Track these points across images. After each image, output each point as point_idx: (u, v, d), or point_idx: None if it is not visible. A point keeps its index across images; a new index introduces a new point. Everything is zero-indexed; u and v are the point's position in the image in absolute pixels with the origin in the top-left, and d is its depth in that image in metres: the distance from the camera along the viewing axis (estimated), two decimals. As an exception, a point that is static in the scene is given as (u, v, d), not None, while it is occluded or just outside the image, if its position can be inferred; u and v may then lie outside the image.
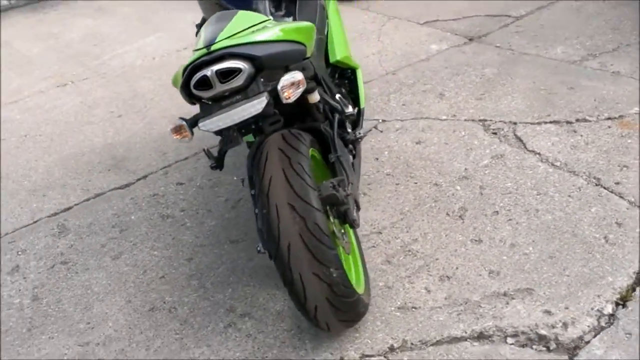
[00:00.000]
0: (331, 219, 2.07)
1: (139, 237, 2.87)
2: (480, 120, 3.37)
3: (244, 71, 1.64)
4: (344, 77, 2.81)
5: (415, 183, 2.95)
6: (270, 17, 2.02)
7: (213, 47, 1.69)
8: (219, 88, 1.66)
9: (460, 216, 2.69)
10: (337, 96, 2.44)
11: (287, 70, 1.88)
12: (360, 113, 2.76)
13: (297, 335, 2.21)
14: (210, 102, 1.71)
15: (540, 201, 2.68)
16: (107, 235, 2.92)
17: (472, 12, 4.88)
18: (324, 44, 2.64)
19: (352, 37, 4.72)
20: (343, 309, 1.95)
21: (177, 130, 1.72)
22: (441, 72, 3.99)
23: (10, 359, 2.27)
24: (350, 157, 2.42)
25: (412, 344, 2.13)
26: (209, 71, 1.63)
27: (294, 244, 1.84)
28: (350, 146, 2.47)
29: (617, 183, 2.72)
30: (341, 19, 2.91)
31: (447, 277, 2.38)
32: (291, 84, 1.72)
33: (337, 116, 2.32)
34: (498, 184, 2.84)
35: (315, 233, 1.85)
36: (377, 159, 3.18)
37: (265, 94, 1.69)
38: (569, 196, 2.69)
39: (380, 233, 2.66)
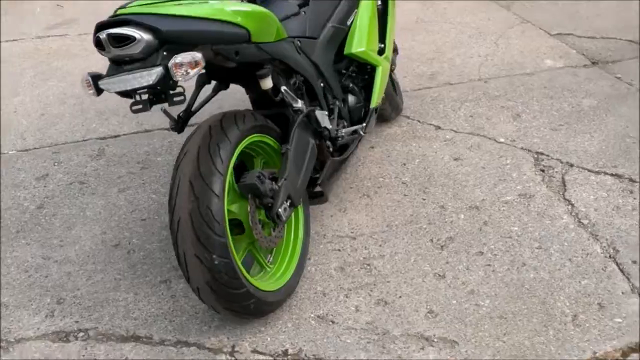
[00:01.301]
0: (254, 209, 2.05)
1: (151, 178, 3.03)
2: (536, 153, 3.06)
3: (139, 40, 1.65)
4: (364, 72, 2.69)
5: (423, 199, 2.77)
6: None
7: (119, 11, 1.72)
8: (114, 52, 1.69)
9: (442, 246, 2.50)
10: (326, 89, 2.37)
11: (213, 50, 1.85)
12: (369, 112, 2.64)
13: (212, 312, 2.24)
14: (115, 64, 1.75)
15: (535, 256, 2.41)
16: (128, 169, 3.12)
17: (615, 34, 4.35)
18: (339, 35, 2.55)
19: (470, 35, 4.46)
20: (226, 297, 1.94)
21: (85, 83, 1.79)
22: (535, 91, 3.64)
23: None
24: (320, 152, 2.34)
25: (306, 355, 2.06)
26: (103, 34, 1.67)
27: (183, 222, 1.86)
28: (328, 143, 2.38)
29: (634, 262, 2.35)
30: (389, 14, 2.78)
31: (385, 302, 2.25)
32: (181, 64, 1.71)
33: (309, 109, 2.25)
34: (504, 224, 2.59)
35: (205, 216, 1.85)
36: (404, 164, 3.03)
37: (161, 67, 1.70)
38: (570, 260, 2.38)
39: (354, 239, 2.56)
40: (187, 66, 1.70)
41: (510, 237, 2.52)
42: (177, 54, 1.72)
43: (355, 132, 2.53)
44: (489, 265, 2.39)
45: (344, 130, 2.43)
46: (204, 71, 1.81)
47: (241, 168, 2.26)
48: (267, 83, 2.08)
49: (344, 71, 2.63)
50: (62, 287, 2.38)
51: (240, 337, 2.14)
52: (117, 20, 1.68)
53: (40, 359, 2.09)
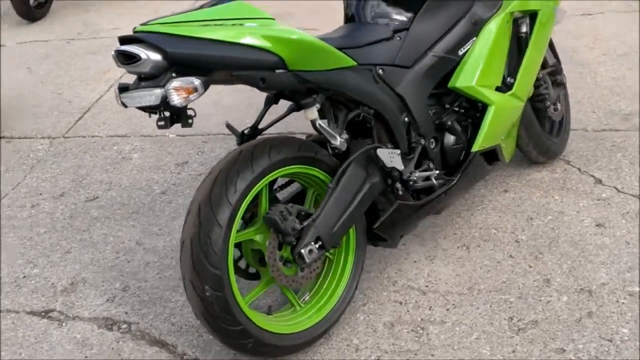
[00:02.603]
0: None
1: (186, 175, 3.14)
2: None
3: (145, 60, 1.61)
4: (474, 110, 2.32)
5: (529, 267, 2.34)
6: (273, 19, 1.83)
7: (137, 28, 1.69)
8: (126, 68, 1.67)
9: (519, 329, 2.09)
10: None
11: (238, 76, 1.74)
12: (466, 158, 2.29)
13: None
14: (138, 79, 1.73)
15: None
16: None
17: None
18: (444, 65, 2.23)
19: None
20: (220, 331, 1.86)
21: (115, 94, 1.80)
22: None
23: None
24: (386, 197, 2.10)
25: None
26: (114, 50, 1.66)
27: (185, 246, 1.83)
28: (398, 185, 2.11)
29: None
30: (533, 40, 2.37)
31: (415, 379, 1.96)
32: (178, 88, 1.63)
33: (367, 147, 2.02)
34: (613, 322, 2.08)
35: (203, 245, 1.79)
36: (530, 218, 2.58)
37: (163, 89, 1.64)
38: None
39: (424, 294, 2.27)
40: (184, 91, 1.63)
41: (611, 340, 2.01)
42: (185, 76, 1.66)
43: (438, 177, 2.22)
44: (557, 367, 1.93)
45: (417, 174, 2.14)
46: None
47: (298, 198, 2.14)
48: (311, 114, 1.92)
49: (447, 106, 2.31)
50: (134, 275, 2.51)
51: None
52: (130, 38, 1.67)
53: (79, 340, 2.23)
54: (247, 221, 2.02)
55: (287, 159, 1.93)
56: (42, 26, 5.63)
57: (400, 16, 2.19)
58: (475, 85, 2.23)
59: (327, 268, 2.17)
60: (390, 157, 2.06)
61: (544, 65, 2.77)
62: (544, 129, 2.84)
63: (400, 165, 2.09)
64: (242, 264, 2.10)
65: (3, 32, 5.54)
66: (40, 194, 3.13)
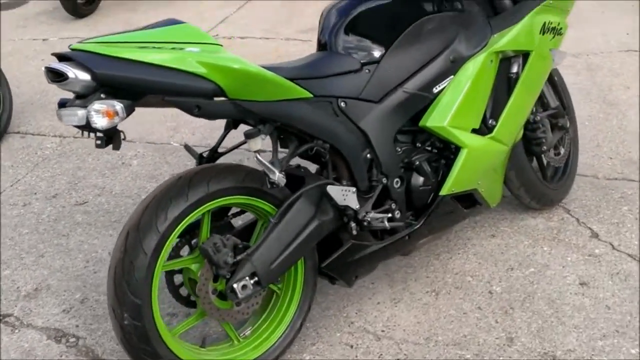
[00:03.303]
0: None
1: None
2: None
3: (72, 79, 1.57)
4: (447, 151, 2.18)
5: (495, 322, 2.20)
6: (220, 45, 1.75)
7: (72, 46, 1.65)
8: (57, 86, 1.64)
9: (466, 390, 1.95)
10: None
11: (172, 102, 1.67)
12: (435, 200, 2.15)
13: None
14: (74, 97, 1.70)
15: None
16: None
17: None
18: (416, 103, 2.10)
19: None
20: (136, 357, 1.81)
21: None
22: None
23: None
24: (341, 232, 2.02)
25: None
26: (44, 67, 1.63)
27: (111, 270, 1.79)
28: (352, 224, 2.01)
29: None
30: (523, 78, 2.24)
31: None
32: (97, 111, 1.58)
33: (312, 185, 1.93)
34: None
35: (126, 272, 1.75)
36: (511, 269, 2.43)
37: (85, 110, 1.60)
38: None
39: (378, 340, 2.16)
40: (105, 114, 1.59)
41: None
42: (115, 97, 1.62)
43: (401, 218, 2.10)
44: None
45: (372, 214, 2.02)
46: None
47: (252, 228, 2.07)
48: (254, 145, 1.84)
49: (419, 145, 2.18)
50: (95, 288, 2.49)
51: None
52: (62, 55, 1.63)
53: (25, 350, 2.22)
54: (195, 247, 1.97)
55: (228, 189, 1.86)
56: (87, 23, 5.75)
57: (372, 48, 2.07)
58: (447, 125, 2.10)
59: (273, 303, 2.09)
60: (344, 195, 1.96)
61: (544, 107, 2.61)
62: (545, 175, 2.67)
63: (354, 204, 1.98)
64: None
65: (49, 26, 5.70)
66: (35, 193, 3.17)
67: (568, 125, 2.64)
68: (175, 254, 1.95)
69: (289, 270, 2.02)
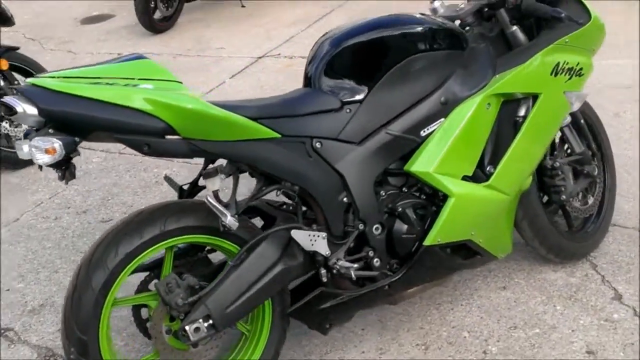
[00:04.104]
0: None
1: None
2: None
3: (21, 113, 1.58)
4: (435, 198, 2.03)
5: (481, 386, 2.02)
6: (179, 82, 1.70)
7: (28, 80, 1.65)
8: (11, 119, 1.66)
9: None
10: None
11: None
12: (418, 250, 2.01)
13: None
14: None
15: None
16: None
17: None
18: (401, 146, 1.97)
19: None
20: None
21: None
22: None
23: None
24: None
25: None
26: None
27: (64, 304, 1.80)
28: (323, 270, 1.92)
29: None
30: (529, 122, 2.06)
31: None
32: (36, 147, 1.57)
33: (275, 229, 1.86)
34: None
35: (75, 307, 1.76)
36: (514, 327, 2.24)
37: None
38: None
39: (351, 394, 2.05)
40: (44, 151, 1.59)
41: None
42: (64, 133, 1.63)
43: (380, 267, 1.98)
44: None
45: (342, 262, 1.91)
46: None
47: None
48: (211, 184, 1.80)
49: (405, 190, 2.04)
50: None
51: None
52: (16, 89, 1.66)
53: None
54: None
55: (185, 228, 1.82)
56: (162, 39, 5.96)
57: (354, 86, 1.96)
58: (432, 172, 1.95)
59: (241, 344, 2.03)
60: (311, 240, 1.88)
61: (569, 154, 2.39)
62: (571, 225, 2.46)
63: (324, 250, 1.89)
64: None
65: (127, 41, 5.94)
66: (68, 207, 3.29)
67: (596, 172, 2.41)
68: (142, 287, 1.94)
69: (256, 313, 1.96)
